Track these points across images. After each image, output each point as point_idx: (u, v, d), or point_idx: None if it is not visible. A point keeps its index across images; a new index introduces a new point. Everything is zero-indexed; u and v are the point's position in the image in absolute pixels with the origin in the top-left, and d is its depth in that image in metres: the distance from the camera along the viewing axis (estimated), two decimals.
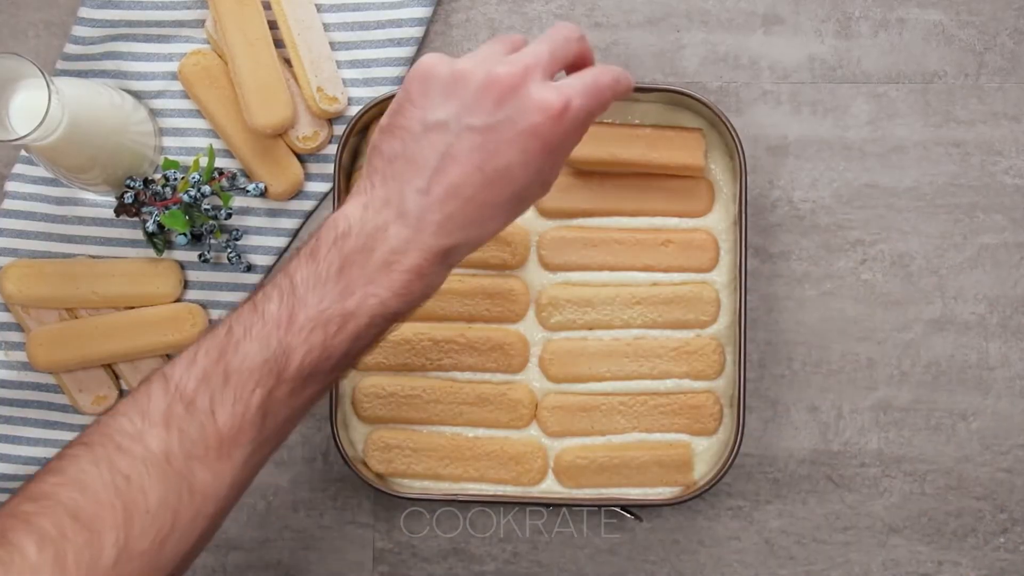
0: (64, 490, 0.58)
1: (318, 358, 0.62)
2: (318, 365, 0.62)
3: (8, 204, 0.90)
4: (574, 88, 0.63)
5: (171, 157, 0.89)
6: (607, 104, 0.66)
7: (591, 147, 0.85)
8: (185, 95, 0.90)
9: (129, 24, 0.89)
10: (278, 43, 0.88)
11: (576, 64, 0.67)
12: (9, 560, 0.55)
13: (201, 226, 0.88)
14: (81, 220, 0.90)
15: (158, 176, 0.89)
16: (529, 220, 0.88)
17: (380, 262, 0.62)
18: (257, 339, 0.61)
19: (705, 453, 0.86)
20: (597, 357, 0.86)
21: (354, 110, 0.89)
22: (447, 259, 0.64)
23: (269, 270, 0.90)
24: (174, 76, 0.89)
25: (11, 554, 0.55)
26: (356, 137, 0.87)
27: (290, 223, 0.90)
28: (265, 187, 0.88)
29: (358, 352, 0.64)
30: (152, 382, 0.61)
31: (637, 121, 0.87)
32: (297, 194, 0.90)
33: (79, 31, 0.89)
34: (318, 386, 0.64)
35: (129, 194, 0.87)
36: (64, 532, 0.56)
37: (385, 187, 0.63)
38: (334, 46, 0.89)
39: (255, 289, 0.64)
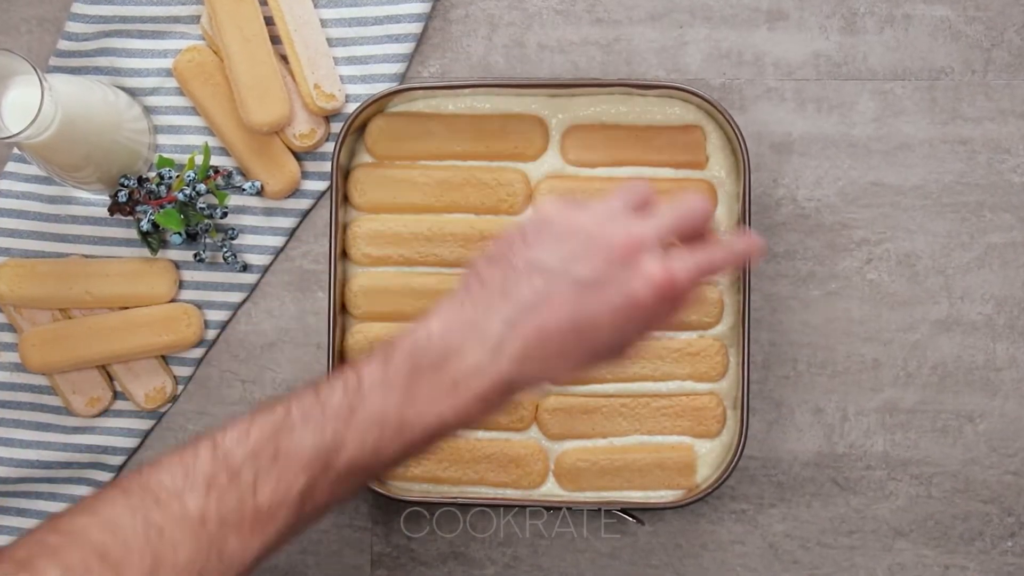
0: (95, 530, 0.58)
1: (368, 456, 0.63)
2: (367, 463, 0.63)
3: (0, 203, 0.89)
4: (684, 265, 0.64)
5: (166, 155, 0.88)
6: (715, 276, 0.68)
7: (591, 149, 0.85)
8: (180, 92, 0.89)
9: (123, 20, 0.88)
10: (274, 39, 0.87)
11: (696, 235, 0.67)
12: None
13: (196, 225, 0.87)
14: (74, 219, 0.89)
15: (152, 174, 0.88)
16: None
17: (449, 381, 0.63)
18: (313, 427, 0.62)
19: (708, 455, 0.85)
20: None
21: (352, 107, 0.88)
22: (512, 390, 0.65)
23: (265, 270, 0.89)
24: (169, 73, 0.88)
25: None
26: (353, 135, 0.86)
27: (287, 222, 0.89)
28: (261, 185, 0.87)
29: (406, 458, 0.65)
30: (200, 444, 0.62)
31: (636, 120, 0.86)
32: (294, 192, 0.89)
33: (72, 27, 0.88)
34: (361, 481, 0.65)
35: (123, 192, 0.86)
36: (90, 569, 0.57)
37: (475, 309, 0.64)
38: (331, 42, 0.88)
39: (324, 377, 0.65)
